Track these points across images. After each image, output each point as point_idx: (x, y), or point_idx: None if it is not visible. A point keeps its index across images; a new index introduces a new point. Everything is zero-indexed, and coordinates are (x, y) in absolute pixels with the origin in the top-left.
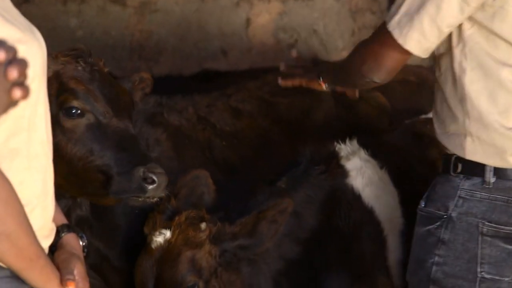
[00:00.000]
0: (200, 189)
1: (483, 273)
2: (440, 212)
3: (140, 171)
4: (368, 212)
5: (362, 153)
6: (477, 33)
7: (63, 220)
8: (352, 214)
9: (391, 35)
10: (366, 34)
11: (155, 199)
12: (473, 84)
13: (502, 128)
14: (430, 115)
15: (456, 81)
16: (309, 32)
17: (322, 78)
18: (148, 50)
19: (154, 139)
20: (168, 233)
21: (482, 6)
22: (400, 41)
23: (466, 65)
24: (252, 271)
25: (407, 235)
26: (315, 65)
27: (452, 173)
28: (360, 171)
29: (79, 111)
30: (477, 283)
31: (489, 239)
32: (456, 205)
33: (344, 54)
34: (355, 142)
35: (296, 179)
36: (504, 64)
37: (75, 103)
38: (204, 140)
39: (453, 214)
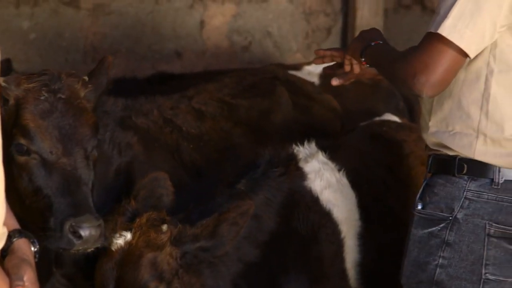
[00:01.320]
0: (159, 191)
1: (487, 274)
2: (444, 214)
3: (68, 224)
4: (326, 215)
5: (320, 156)
6: (508, 34)
7: (15, 225)
8: (311, 217)
9: (447, 41)
10: (319, 36)
11: (91, 249)
12: (499, 86)
13: None
14: (385, 116)
15: (478, 80)
16: (263, 34)
17: (365, 58)
18: (102, 52)
19: (125, 143)
20: (128, 235)
21: None
22: (462, 45)
23: (494, 66)
24: (212, 273)
25: (364, 237)
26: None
27: (456, 174)
28: (318, 173)
29: (26, 149)
30: (481, 285)
31: (495, 240)
32: (462, 207)
33: (298, 56)
34: (313, 144)
35: (255, 181)
36: None
37: (22, 140)
38: (172, 143)
39: (459, 216)
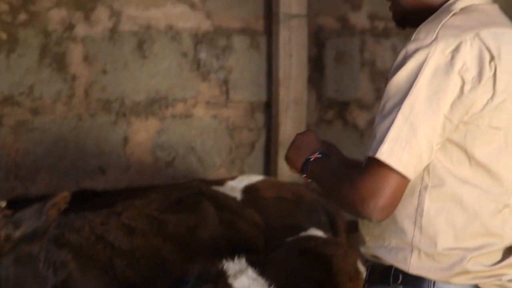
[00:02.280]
0: None
1: None
2: None
3: None
4: None
5: (250, 272)
6: (440, 150)
7: None
8: None
9: (387, 165)
10: (243, 151)
11: None
12: (433, 201)
13: (453, 247)
14: (310, 231)
15: (412, 195)
16: (187, 149)
17: (307, 174)
18: (24, 169)
19: (60, 261)
20: None
21: (456, 125)
22: (401, 168)
23: (428, 181)
24: None
25: None
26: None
27: (391, 284)
28: None
29: None
30: None
31: None
32: None
33: (222, 171)
34: (243, 260)
35: None
36: (466, 183)
37: None
38: (105, 259)
39: None
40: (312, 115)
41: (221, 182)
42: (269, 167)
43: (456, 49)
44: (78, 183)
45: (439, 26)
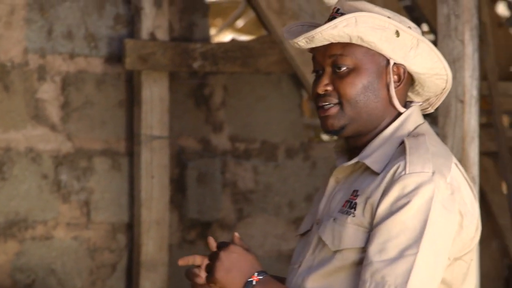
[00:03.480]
0: None
1: None
2: None
3: None
4: None
5: None
6: None
7: None
8: None
9: None
10: (104, 272)
11: None
12: None
13: None
14: None
15: None
16: (47, 271)
17: None
18: None
19: None
20: None
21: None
22: None
23: None
24: None
25: None
26: None
27: None
28: None
29: None
30: None
31: None
32: None
33: None
34: None
35: None
36: None
37: None
38: None
39: None
40: (174, 235)
41: None
42: None
43: (451, 181)
44: None
45: (430, 156)
